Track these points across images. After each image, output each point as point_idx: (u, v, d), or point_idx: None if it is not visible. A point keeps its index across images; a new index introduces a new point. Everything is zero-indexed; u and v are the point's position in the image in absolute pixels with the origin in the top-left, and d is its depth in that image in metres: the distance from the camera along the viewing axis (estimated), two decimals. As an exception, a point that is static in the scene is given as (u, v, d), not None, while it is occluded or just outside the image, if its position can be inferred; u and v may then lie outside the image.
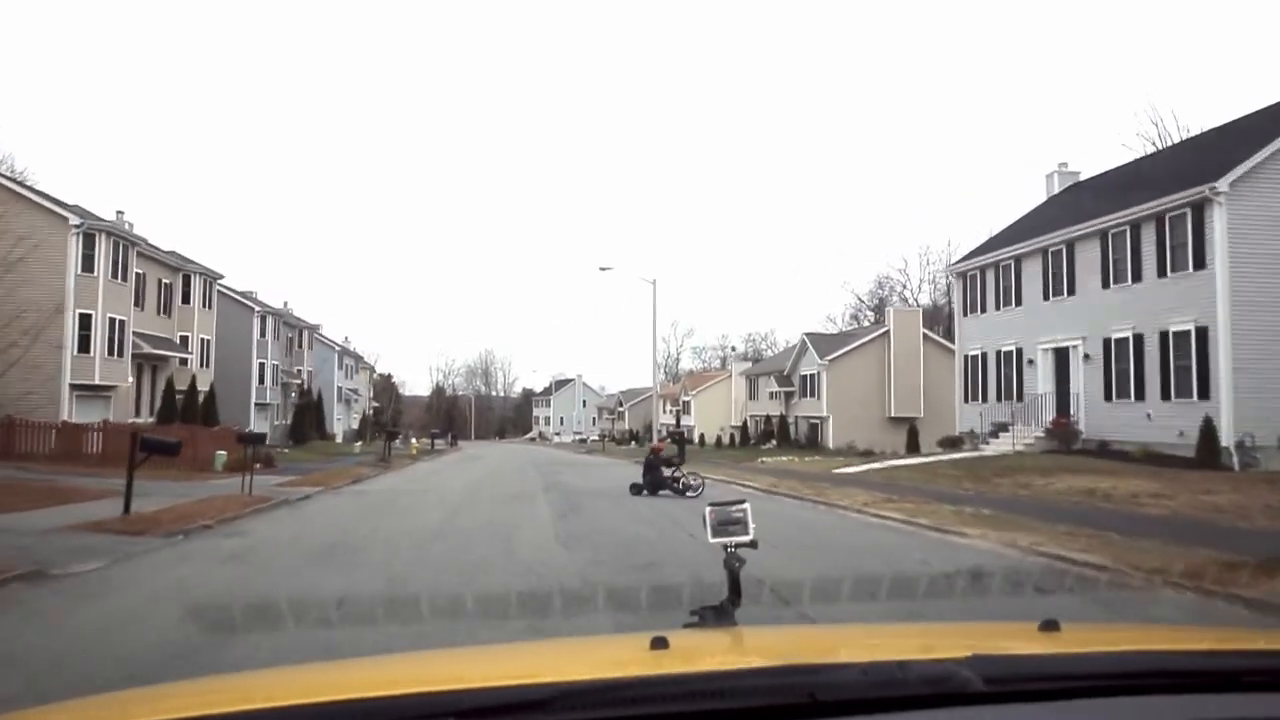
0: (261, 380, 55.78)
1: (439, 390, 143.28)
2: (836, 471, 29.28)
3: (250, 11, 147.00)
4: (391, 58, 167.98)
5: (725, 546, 2.49)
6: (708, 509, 2.58)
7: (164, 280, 42.70)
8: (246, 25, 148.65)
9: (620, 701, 1.27)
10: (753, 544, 2.51)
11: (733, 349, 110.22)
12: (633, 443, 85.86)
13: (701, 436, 76.78)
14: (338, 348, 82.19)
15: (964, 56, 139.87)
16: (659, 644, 1.54)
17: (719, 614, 2.33)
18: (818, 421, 53.60)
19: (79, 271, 33.65)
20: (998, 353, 33.10)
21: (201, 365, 45.76)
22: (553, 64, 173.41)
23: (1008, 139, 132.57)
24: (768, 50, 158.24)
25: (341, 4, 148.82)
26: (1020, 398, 30.93)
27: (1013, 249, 32.10)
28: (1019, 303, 31.76)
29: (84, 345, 33.76)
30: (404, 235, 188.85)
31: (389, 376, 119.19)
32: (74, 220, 33.69)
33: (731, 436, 70.70)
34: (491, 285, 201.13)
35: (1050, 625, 1.69)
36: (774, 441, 57.78)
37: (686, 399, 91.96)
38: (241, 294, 55.36)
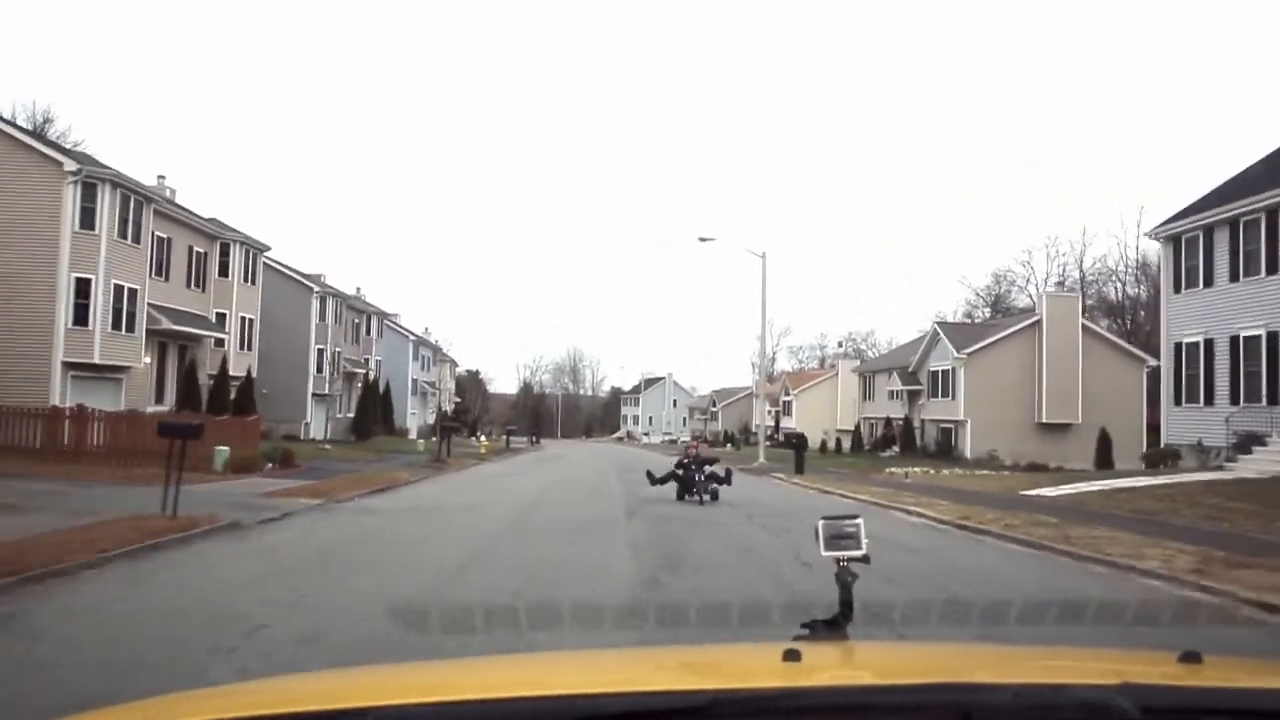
0: (320, 369, 50.12)
1: (527, 387, 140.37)
2: (1025, 494, 21.49)
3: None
4: (484, 45, 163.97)
5: (837, 560, 2.42)
6: (820, 522, 2.46)
7: (197, 249, 37.05)
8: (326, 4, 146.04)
9: (773, 711, 1.26)
10: (865, 559, 2.41)
11: (841, 345, 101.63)
12: (728, 445, 78.46)
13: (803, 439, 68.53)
14: (413, 337, 76.84)
15: (1106, 45, 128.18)
16: (792, 656, 1.49)
17: (830, 628, 2.20)
18: (951, 426, 45.41)
19: (76, 228, 27.96)
20: (1233, 339, 24.78)
21: (242, 347, 40.12)
22: (653, 54, 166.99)
23: (1150, 120, 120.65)
24: (868, 42, 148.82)
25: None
26: (1277, 399, 22.72)
27: (1261, 198, 23.77)
28: (1272, 269, 23.44)
29: (81, 316, 28.05)
30: (494, 232, 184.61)
31: (476, 372, 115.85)
32: (70, 166, 27.99)
33: (837, 441, 62.59)
34: (581, 282, 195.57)
35: (1192, 657, 1.56)
36: (895, 448, 49.77)
37: (787, 399, 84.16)
38: (301, 273, 49.79)
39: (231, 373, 37.48)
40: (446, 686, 1.47)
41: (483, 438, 53.51)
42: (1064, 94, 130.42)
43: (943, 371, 46.09)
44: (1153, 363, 46.45)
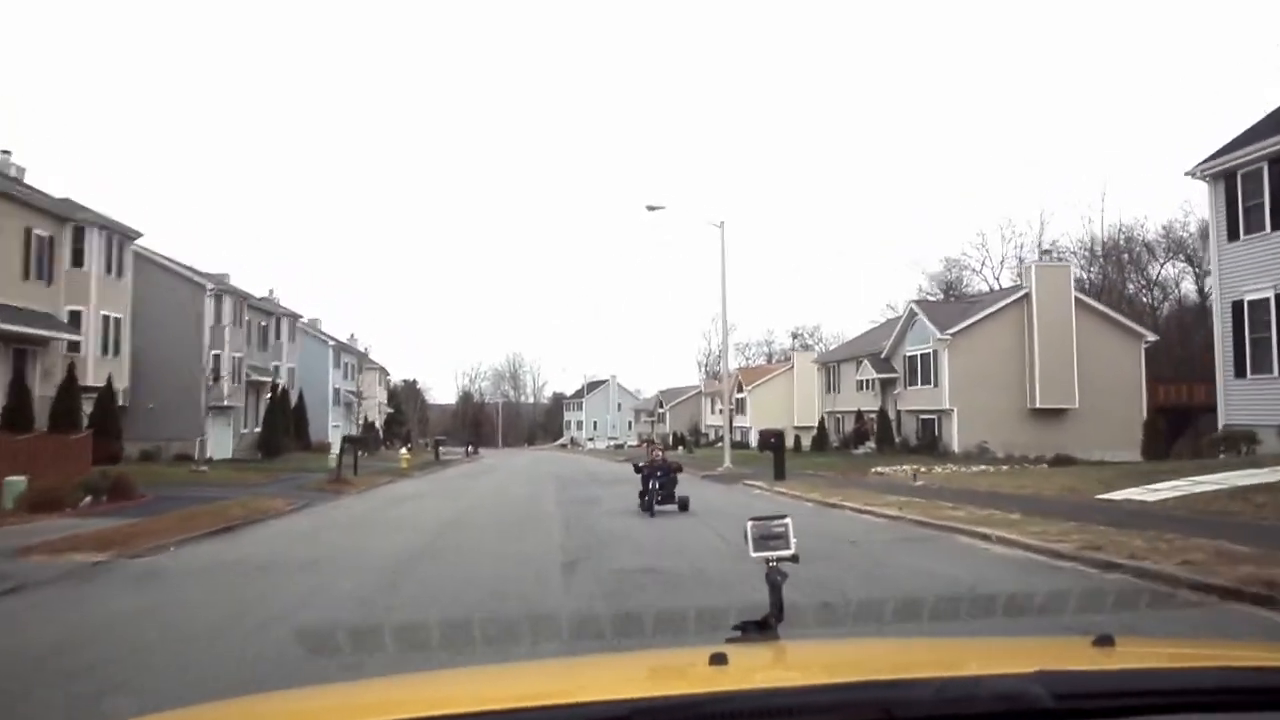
0: (216, 377, 43.41)
1: (466, 396, 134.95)
2: (1109, 498, 16.16)
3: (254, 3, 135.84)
4: (412, 33, 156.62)
5: (767, 561, 2.41)
6: (749, 523, 2.46)
7: (37, 231, 30.36)
8: (249, 18, 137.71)
9: (696, 718, 1.25)
10: (794, 558, 2.42)
11: (795, 338, 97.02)
12: (680, 448, 72.98)
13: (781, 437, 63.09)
14: (333, 342, 69.98)
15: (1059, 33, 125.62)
16: (718, 660, 1.50)
17: (762, 630, 2.23)
18: (933, 417, 40.42)
19: None
20: (1319, 291, 19.93)
21: (105, 352, 33.49)
22: (595, 50, 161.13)
23: (1108, 93, 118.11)
24: (804, 36, 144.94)
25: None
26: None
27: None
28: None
29: None
30: (429, 237, 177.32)
31: (414, 382, 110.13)
32: None
33: (796, 439, 57.27)
34: (519, 286, 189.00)
35: (1105, 640, 1.62)
36: (870, 444, 44.73)
37: (740, 396, 78.91)
38: (189, 268, 42.98)
39: (88, 382, 30.95)
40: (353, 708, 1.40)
41: (404, 450, 47.06)
42: (1014, 73, 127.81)
43: (922, 355, 41.08)
44: (1151, 337, 42.12)
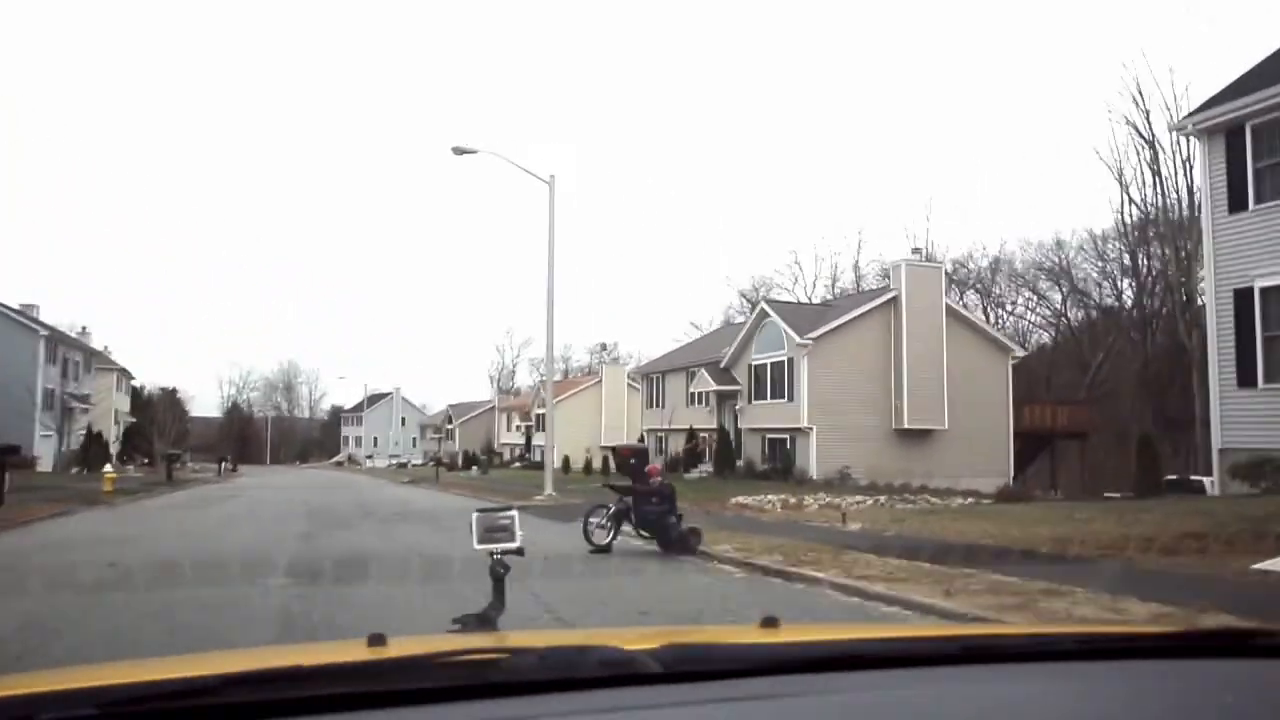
0: None
1: (234, 408, 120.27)
2: (1264, 569, 9.68)
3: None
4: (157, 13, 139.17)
5: (491, 554, 2.35)
6: (474, 515, 2.35)
7: None
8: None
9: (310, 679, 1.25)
10: (519, 551, 2.36)
11: (605, 350, 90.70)
12: (473, 468, 64.30)
13: (566, 460, 55.54)
14: (44, 331, 56.77)
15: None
16: (377, 641, 1.50)
17: (481, 622, 2.19)
18: (786, 437, 34.36)
19: None
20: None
21: None
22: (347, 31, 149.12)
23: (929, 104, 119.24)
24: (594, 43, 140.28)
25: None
26: None
27: None
28: None
29: None
30: (187, 231, 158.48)
31: (173, 391, 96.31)
32: None
33: (605, 461, 50.17)
34: (293, 289, 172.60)
35: (770, 622, 1.70)
36: (706, 466, 38.26)
37: (541, 412, 71.29)
38: None
39: None
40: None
41: (108, 468, 36.14)
42: (836, 88, 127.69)
43: (774, 364, 34.99)
44: (1019, 352, 38.01)
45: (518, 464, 71.67)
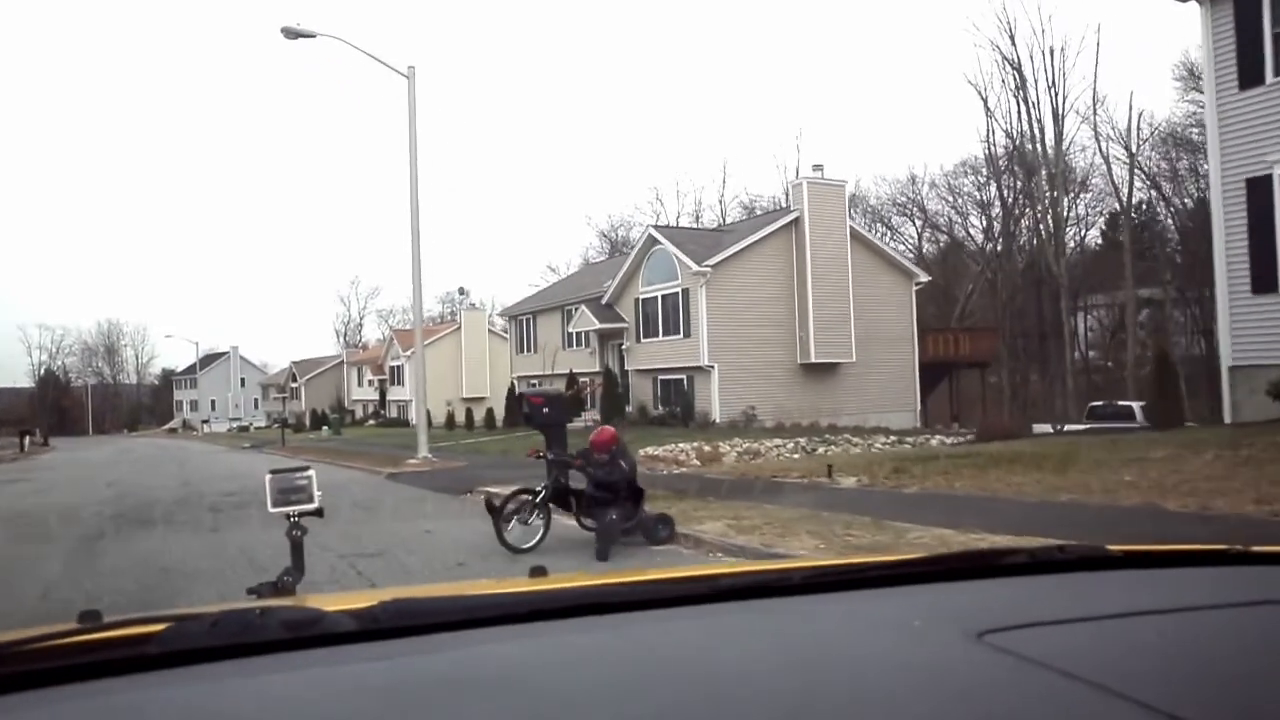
0: None
1: (48, 376, 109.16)
2: None
3: None
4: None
5: (288, 516, 2.28)
6: (268, 476, 2.31)
7: None
8: None
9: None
10: (318, 512, 2.29)
11: (461, 296, 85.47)
12: (324, 428, 58.61)
13: (428, 415, 50.26)
14: None
15: None
16: (90, 617, 1.36)
17: (277, 590, 2.09)
18: (683, 377, 30.99)
19: None
20: None
21: None
22: None
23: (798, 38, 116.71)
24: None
25: None
26: None
27: None
28: None
29: None
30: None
31: None
32: None
33: (468, 414, 45.92)
34: (114, 238, 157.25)
35: (538, 571, 1.67)
36: (589, 414, 34.52)
37: (396, 363, 66.21)
38: None
39: None
40: None
41: None
42: (696, 9, 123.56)
43: (666, 297, 31.41)
44: (923, 277, 35.73)
45: (372, 421, 66.47)
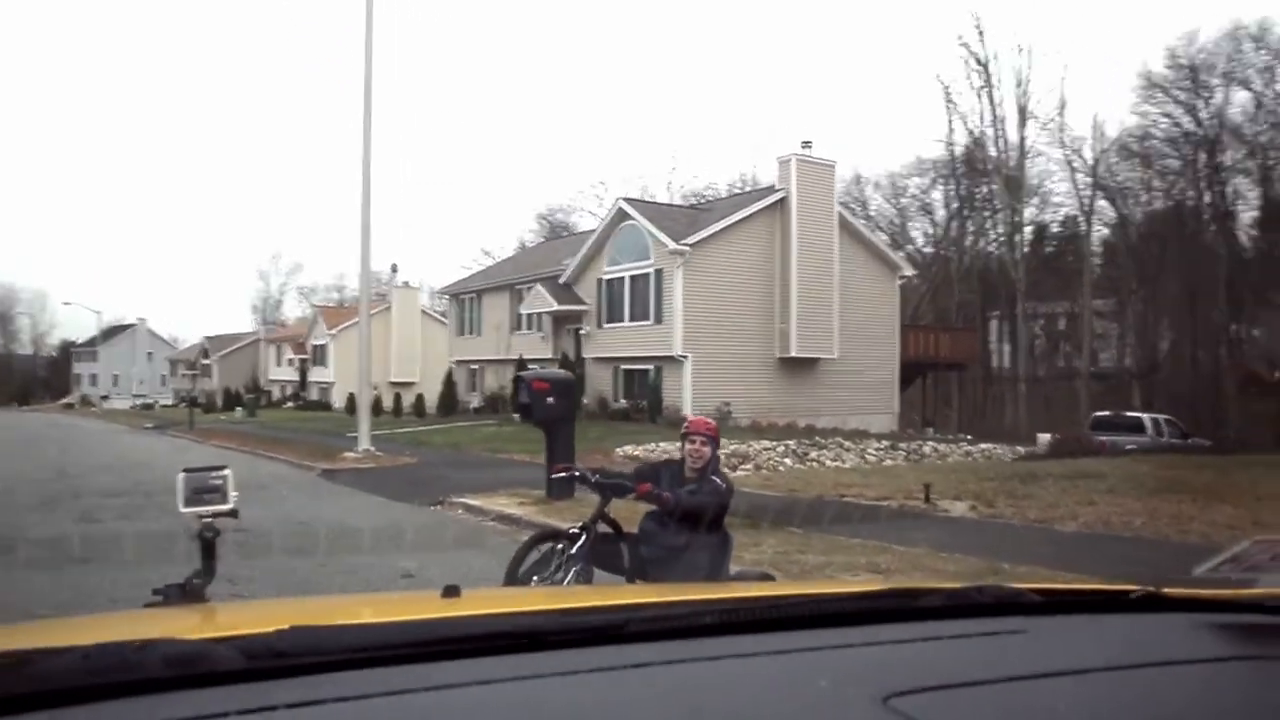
0: None
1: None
2: None
3: None
4: None
5: (199, 516, 2.12)
6: (180, 474, 2.14)
7: None
8: None
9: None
10: (233, 513, 2.13)
11: (394, 271, 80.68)
12: (238, 409, 53.84)
13: (351, 399, 46.08)
14: None
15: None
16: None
17: (184, 593, 1.98)
18: (650, 368, 27.90)
19: None
20: None
21: None
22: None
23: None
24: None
25: None
26: None
27: None
28: None
29: None
30: None
31: None
32: None
33: (396, 399, 42.09)
34: (10, 198, 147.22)
35: (451, 591, 1.55)
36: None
37: (320, 342, 61.82)
38: None
39: None
40: None
41: None
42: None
43: (636, 278, 28.26)
44: (907, 271, 33.27)
45: (290, 404, 61.85)
